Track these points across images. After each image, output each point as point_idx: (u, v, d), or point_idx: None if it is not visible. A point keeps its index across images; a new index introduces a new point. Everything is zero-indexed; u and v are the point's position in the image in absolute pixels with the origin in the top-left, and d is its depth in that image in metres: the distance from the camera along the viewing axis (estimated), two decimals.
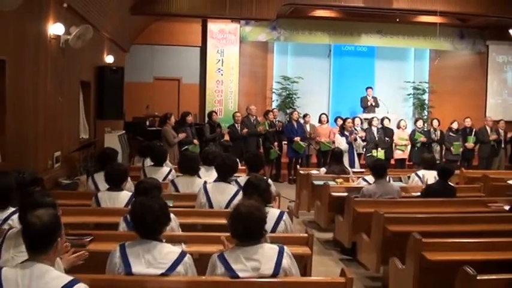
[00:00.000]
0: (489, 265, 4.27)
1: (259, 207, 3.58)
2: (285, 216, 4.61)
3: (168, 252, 3.43)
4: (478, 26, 15.83)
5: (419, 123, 13.00)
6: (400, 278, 5.01)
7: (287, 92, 15.78)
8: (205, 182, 5.85)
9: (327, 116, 13.41)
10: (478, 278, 3.76)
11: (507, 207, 6.51)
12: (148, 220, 3.42)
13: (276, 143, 12.59)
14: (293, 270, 3.49)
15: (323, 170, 9.18)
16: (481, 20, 14.89)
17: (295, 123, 12.79)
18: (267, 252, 3.43)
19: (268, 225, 4.05)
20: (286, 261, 3.44)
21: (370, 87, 14.55)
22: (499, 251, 4.68)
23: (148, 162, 7.70)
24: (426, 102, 16.57)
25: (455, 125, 12.78)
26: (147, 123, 13.08)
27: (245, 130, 12.08)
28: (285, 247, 3.53)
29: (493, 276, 3.82)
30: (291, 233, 4.68)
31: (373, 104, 14.27)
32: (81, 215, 5.20)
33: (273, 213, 4.48)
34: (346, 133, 12.12)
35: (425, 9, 13.60)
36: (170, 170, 7.23)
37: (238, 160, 6.31)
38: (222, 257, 3.44)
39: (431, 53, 16.88)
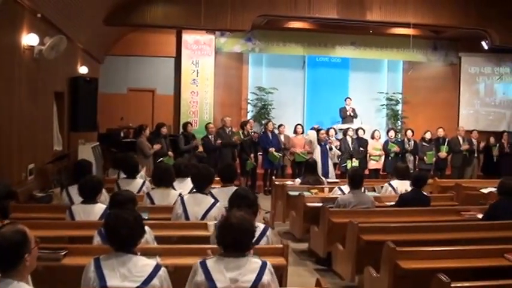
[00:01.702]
0: (463, 273, 4.33)
1: (250, 219, 3.58)
2: (269, 232, 4.60)
3: (143, 265, 3.39)
4: (450, 38, 16.10)
5: (393, 133, 13.17)
6: (375, 286, 5.03)
7: (262, 103, 15.83)
8: (181, 194, 5.83)
9: (302, 127, 13.47)
10: (452, 285, 3.81)
11: (480, 216, 6.59)
12: (122, 233, 3.38)
13: (252, 154, 12.60)
14: (272, 286, 3.49)
15: (298, 180, 9.20)
16: (453, 32, 15.13)
17: (270, 134, 12.81)
18: (249, 266, 3.42)
19: None
20: (266, 277, 3.43)
21: (349, 98, 14.67)
22: (472, 259, 4.74)
23: (122, 174, 7.64)
24: (399, 112, 16.76)
25: (428, 135, 12.97)
26: (122, 134, 12.98)
27: (219, 141, 12.07)
28: (268, 262, 3.53)
29: (467, 284, 3.88)
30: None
31: (352, 114, 14.40)
32: (55, 229, 5.13)
33: (258, 227, 4.48)
34: (322, 143, 12.21)
35: (398, 22, 13.76)
36: (144, 182, 7.18)
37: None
38: (204, 264, 3.42)
39: (404, 64, 17.09)
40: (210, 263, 3.43)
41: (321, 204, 7.16)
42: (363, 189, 7.27)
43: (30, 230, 2.89)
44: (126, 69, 14.52)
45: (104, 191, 5.93)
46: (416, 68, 16.94)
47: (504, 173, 10.91)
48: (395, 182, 8.15)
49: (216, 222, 4.61)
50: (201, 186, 5.67)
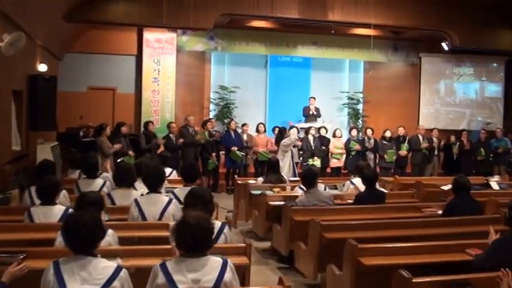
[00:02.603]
0: (424, 268, 4.39)
1: (207, 218, 3.56)
2: (226, 229, 4.59)
3: (103, 267, 3.33)
4: (411, 38, 16.35)
5: (354, 132, 13.34)
6: (337, 284, 5.07)
7: (224, 102, 15.78)
8: (142, 194, 5.75)
9: (264, 126, 13.50)
10: (413, 280, 3.86)
11: (440, 212, 6.71)
12: (82, 235, 3.32)
13: (213, 153, 12.55)
14: (234, 283, 3.47)
15: (260, 179, 9.21)
16: (414, 33, 15.40)
17: (232, 133, 12.80)
18: (210, 265, 3.39)
19: None
20: (228, 275, 3.42)
21: (313, 97, 14.73)
22: (433, 254, 4.82)
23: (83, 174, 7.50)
24: (360, 111, 16.94)
25: (388, 134, 13.19)
26: (81, 134, 12.74)
27: (181, 140, 11.99)
28: (229, 260, 3.51)
29: (428, 279, 3.93)
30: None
31: (315, 113, 14.47)
32: (14, 232, 5.00)
33: (215, 225, 4.45)
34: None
35: (360, 22, 13.92)
36: (105, 182, 7.06)
37: (171, 170, 6.26)
38: (164, 266, 3.38)
39: (365, 64, 17.28)
40: (170, 264, 3.39)
41: (283, 203, 7.17)
42: (323, 186, 7.30)
43: None
44: (87, 67, 14.22)
45: (64, 192, 5.83)
46: (377, 67, 17.15)
47: (464, 171, 11.17)
48: (356, 180, 8.23)
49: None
50: (153, 186, 5.62)
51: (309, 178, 7.05)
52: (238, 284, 3.56)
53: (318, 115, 14.50)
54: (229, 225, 4.83)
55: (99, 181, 7.01)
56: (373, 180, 7.29)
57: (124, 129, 11.38)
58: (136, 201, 5.54)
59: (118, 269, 3.36)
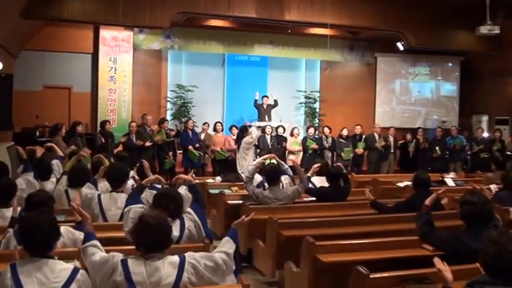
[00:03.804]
0: (381, 264, 4.46)
1: (165, 217, 3.57)
2: (187, 223, 4.59)
3: (60, 269, 3.29)
4: (367, 38, 16.62)
5: (311, 130, 13.46)
6: (295, 281, 5.11)
7: (182, 101, 15.69)
8: (99, 194, 5.68)
9: (222, 125, 13.49)
10: (370, 276, 3.91)
11: None
12: (37, 236, 3.27)
13: (170, 153, 12.47)
14: (193, 279, 3.45)
15: (218, 178, 9.23)
16: (370, 33, 15.65)
17: (190, 132, 12.75)
18: (168, 267, 3.37)
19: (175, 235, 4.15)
20: (186, 274, 3.40)
21: (266, 96, 14.78)
22: (389, 250, 4.90)
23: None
24: (317, 110, 17.08)
25: (345, 132, 13.39)
26: (37, 133, 12.50)
27: (139, 142, 11.85)
28: (187, 256, 3.49)
29: (385, 274, 3.98)
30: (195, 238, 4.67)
31: (266, 109, 14.50)
32: None
33: (176, 222, 4.45)
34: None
35: (316, 22, 14.06)
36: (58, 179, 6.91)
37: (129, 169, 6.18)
38: (125, 263, 3.34)
39: (322, 63, 17.44)
40: (131, 263, 3.36)
41: (241, 202, 7.20)
42: (281, 185, 7.34)
43: None
44: (42, 66, 13.89)
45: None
46: (333, 67, 17.34)
47: (420, 168, 11.42)
48: (314, 178, 8.28)
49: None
50: (116, 185, 5.57)
51: (272, 176, 7.06)
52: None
53: (270, 110, 14.53)
54: None
55: (53, 181, 6.86)
56: (338, 177, 7.42)
57: (80, 129, 11.21)
58: (98, 197, 5.47)
59: (75, 271, 3.32)
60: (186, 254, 3.50)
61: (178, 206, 4.39)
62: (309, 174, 7.58)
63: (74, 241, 4.36)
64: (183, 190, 5.11)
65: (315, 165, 7.75)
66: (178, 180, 5.10)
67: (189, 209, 4.75)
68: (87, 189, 5.60)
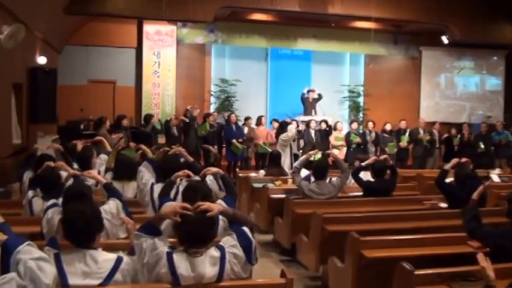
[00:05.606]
0: (426, 260, 4.38)
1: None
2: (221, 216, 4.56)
3: (103, 260, 3.27)
4: (411, 32, 16.32)
5: (355, 125, 13.33)
6: (339, 276, 5.06)
7: (225, 95, 15.75)
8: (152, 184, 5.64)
9: (265, 119, 13.49)
10: (415, 273, 3.85)
11: (442, 205, 6.70)
12: (79, 226, 3.26)
13: (215, 146, 12.53)
14: (236, 269, 3.42)
15: (262, 172, 9.19)
16: (414, 26, 15.37)
17: (233, 126, 12.79)
18: (210, 260, 3.31)
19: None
20: (229, 266, 3.34)
21: (312, 90, 14.68)
22: (434, 246, 4.82)
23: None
24: (361, 105, 16.93)
25: (388, 127, 13.21)
26: (82, 127, 12.73)
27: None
28: (226, 248, 3.41)
29: (429, 271, 3.92)
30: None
31: (313, 103, 14.44)
32: (15, 225, 4.91)
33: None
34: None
35: (360, 15, 13.91)
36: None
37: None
38: (171, 257, 3.29)
39: (366, 57, 17.26)
40: (176, 256, 3.32)
41: (284, 196, 7.16)
42: (328, 179, 7.29)
43: None
44: (86, 60, 14.15)
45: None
46: (377, 61, 17.12)
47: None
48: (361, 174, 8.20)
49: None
50: (164, 176, 5.56)
51: (320, 170, 7.07)
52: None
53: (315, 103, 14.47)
54: None
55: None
56: (383, 172, 7.35)
57: (125, 122, 11.37)
58: (151, 187, 5.48)
59: (119, 260, 3.30)
60: (225, 245, 3.42)
61: (204, 197, 4.33)
62: (363, 164, 7.51)
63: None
64: (209, 181, 5.11)
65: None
66: (207, 172, 5.08)
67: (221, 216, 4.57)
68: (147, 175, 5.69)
